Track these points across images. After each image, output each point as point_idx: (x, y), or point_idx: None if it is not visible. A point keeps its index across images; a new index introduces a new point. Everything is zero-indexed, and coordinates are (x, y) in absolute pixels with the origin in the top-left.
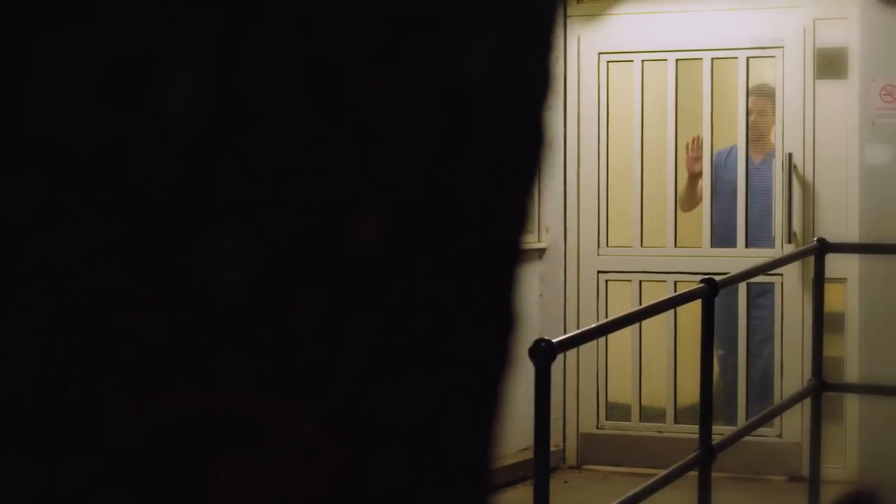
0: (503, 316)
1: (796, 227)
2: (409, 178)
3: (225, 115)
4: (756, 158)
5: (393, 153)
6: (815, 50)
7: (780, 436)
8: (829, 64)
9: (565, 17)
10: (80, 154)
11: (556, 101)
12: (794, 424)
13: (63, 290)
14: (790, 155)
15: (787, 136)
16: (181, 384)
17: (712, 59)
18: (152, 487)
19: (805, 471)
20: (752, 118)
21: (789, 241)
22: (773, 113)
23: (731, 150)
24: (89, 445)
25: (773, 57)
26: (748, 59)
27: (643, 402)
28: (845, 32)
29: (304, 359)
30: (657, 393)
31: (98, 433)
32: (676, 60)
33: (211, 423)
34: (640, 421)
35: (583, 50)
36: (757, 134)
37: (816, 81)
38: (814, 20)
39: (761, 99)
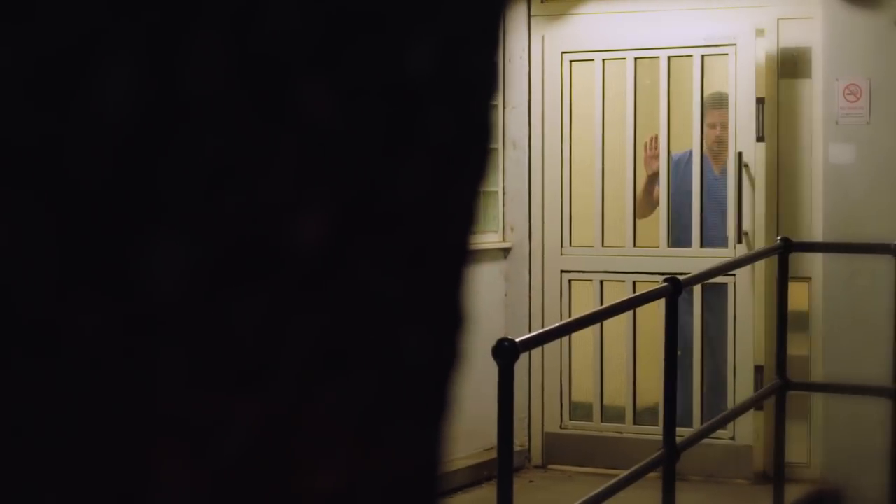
0: (451, 314)
1: (747, 226)
2: (353, 176)
3: (162, 113)
4: (716, 167)
5: (335, 151)
6: (778, 49)
7: (732, 438)
8: (794, 63)
9: (529, 16)
10: (10, 152)
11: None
12: (747, 427)
13: None
14: (740, 154)
15: (739, 135)
16: (117, 383)
17: (669, 57)
18: (88, 486)
19: (754, 473)
20: (715, 131)
21: (739, 241)
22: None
23: (689, 154)
24: (23, 442)
25: (726, 55)
26: (703, 56)
27: (604, 402)
28: (809, 32)
29: (245, 358)
30: (617, 393)
31: (33, 430)
32: (635, 59)
33: (148, 422)
34: (602, 421)
35: (546, 49)
36: (720, 146)
37: (780, 81)
38: (777, 19)
39: (722, 111)
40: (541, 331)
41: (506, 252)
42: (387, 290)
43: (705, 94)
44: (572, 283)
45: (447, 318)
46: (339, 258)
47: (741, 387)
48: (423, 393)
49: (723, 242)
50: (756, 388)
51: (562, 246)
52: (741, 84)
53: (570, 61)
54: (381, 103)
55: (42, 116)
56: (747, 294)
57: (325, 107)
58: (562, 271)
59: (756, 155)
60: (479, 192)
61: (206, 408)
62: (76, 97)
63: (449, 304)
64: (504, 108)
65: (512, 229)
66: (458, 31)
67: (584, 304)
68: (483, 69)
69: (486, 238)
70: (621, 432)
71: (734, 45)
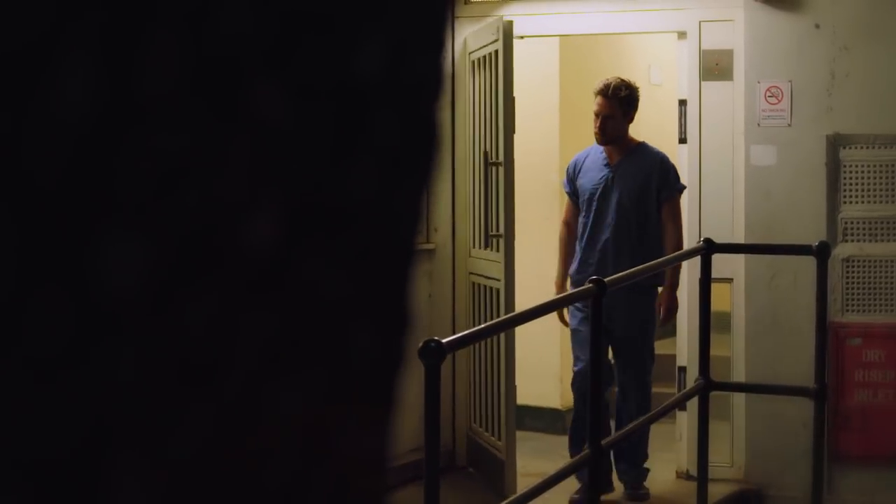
0: (397, 314)
1: None
2: (302, 177)
3: (116, 112)
4: (613, 161)
5: (285, 151)
6: (700, 51)
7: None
8: (715, 66)
9: (453, 18)
10: None
11: (444, 102)
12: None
13: None
14: None
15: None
16: (72, 381)
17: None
18: (45, 484)
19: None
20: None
21: None
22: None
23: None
24: None
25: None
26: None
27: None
28: (731, 34)
29: (198, 356)
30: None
31: None
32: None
33: (101, 420)
34: None
35: (466, 51)
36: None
37: (702, 83)
38: (699, 22)
39: (611, 101)
40: (467, 332)
41: (430, 253)
42: (335, 289)
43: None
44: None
45: (394, 316)
46: (289, 257)
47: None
48: (370, 391)
49: None
50: (679, 389)
51: (471, 248)
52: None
53: (472, 60)
54: (330, 104)
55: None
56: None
57: (276, 107)
58: (469, 273)
59: (678, 156)
60: (424, 193)
61: (160, 405)
62: (33, 96)
63: (396, 303)
64: None
65: (436, 230)
66: (404, 33)
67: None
68: (429, 71)
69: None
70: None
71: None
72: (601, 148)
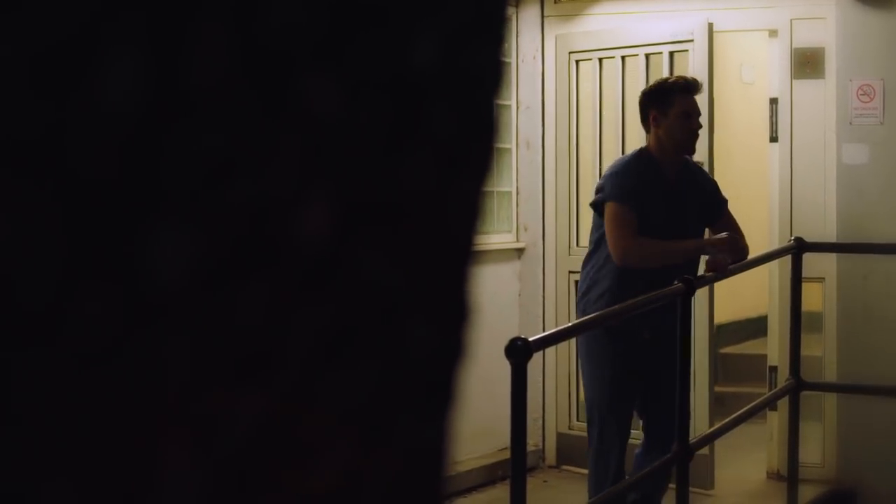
0: (455, 308)
1: None
2: (356, 170)
3: (165, 105)
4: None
5: (339, 144)
6: (791, 49)
7: None
8: (807, 63)
9: (542, 17)
10: (14, 143)
11: (534, 101)
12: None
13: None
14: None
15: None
16: (121, 374)
17: (646, 54)
18: (92, 477)
19: (712, 484)
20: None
21: None
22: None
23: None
24: (26, 432)
25: (687, 50)
26: (671, 53)
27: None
28: (823, 32)
29: (249, 350)
30: None
31: (36, 420)
32: (622, 57)
33: (152, 413)
34: (577, 420)
35: (558, 50)
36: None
37: (794, 81)
38: (791, 20)
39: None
40: (553, 330)
41: (519, 252)
42: (390, 283)
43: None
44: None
45: (451, 311)
46: (343, 251)
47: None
48: (427, 386)
49: None
50: (770, 389)
51: (569, 246)
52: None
53: (577, 61)
54: (384, 97)
55: (45, 108)
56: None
57: (328, 100)
58: (569, 272)
59: (770, 155)
60: (482, 188)
61: (210, 399)
62: (80, 89)
63: (453, 297)
64: (517, 108)
65: (525, 229)
66: (462, 26)
67: None
68: (487, 64)
69: (500, 238)
70: None
71: (692, 40)
72: (643, 157)
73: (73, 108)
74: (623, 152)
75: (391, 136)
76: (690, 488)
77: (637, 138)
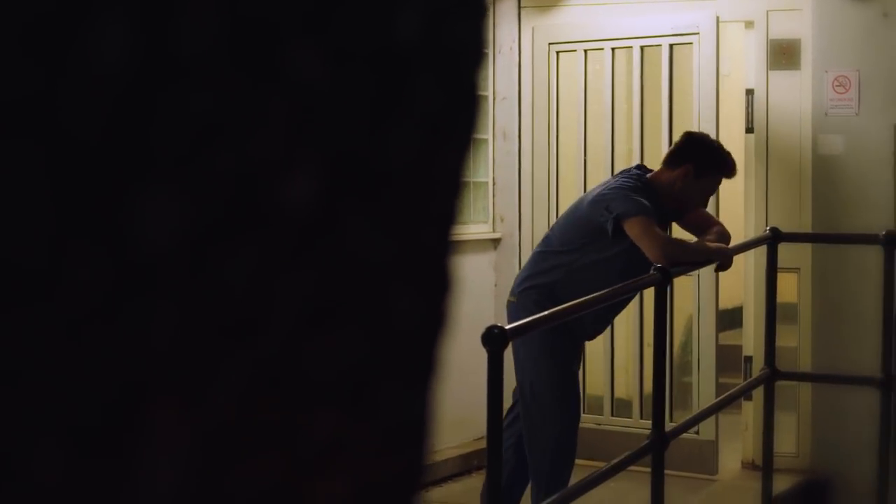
0: (438, 278)
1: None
2: (341, 139)
3: (154, 70)
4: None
5: (324, 113)
6: (767, 40)
7: (697, 433)
8: (783, 55)
9: (519, 7)
10: (5, 104)
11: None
12: (710, 423)
13: None
14: None
15: (702, 124)
16: (110, 334)
17: (641, 46)
18: (82, 434)
19: (719, 468)
20: None
21: None
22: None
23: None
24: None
25: (691, 44)
26: (671, 45)
27: (586, 392)
28: (799, 24)
29: (235, 313)
30: (597, 383)
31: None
32: (612, 49)
33: (140, 374)
34: (585, 412)
35: (536, 41)
36: None
37: (770, 72)
38: (767, 11)
39: None
40: (530, 318)
41: (496, 242)
42: (375, 253)
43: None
44: None
45: (434, 281)
46: (328, 218)
47: (705, 377)
48: (411, 356)
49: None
50: (745, 379)
51: None
52: (703, 72)
53: (557, 52)
54: (368, 68)
55: (37, 70)
56: (709, 286)
57: (314, 71)
58: None
59: (745, 146)
60: (464, 160)
61: (197, 361)
62: (71, 52)
63: (436, 268)
64: (494, 99)
65: (502, 220)
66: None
67: None
68: (470, 37)
69: (477, 228)
70: (600, 424)
71: (697, 33)
72: (650, 187)
73: (64, 70)
74: (612, 145)
75: (376, 108)
76: (695, 474)
77: (626, 130)
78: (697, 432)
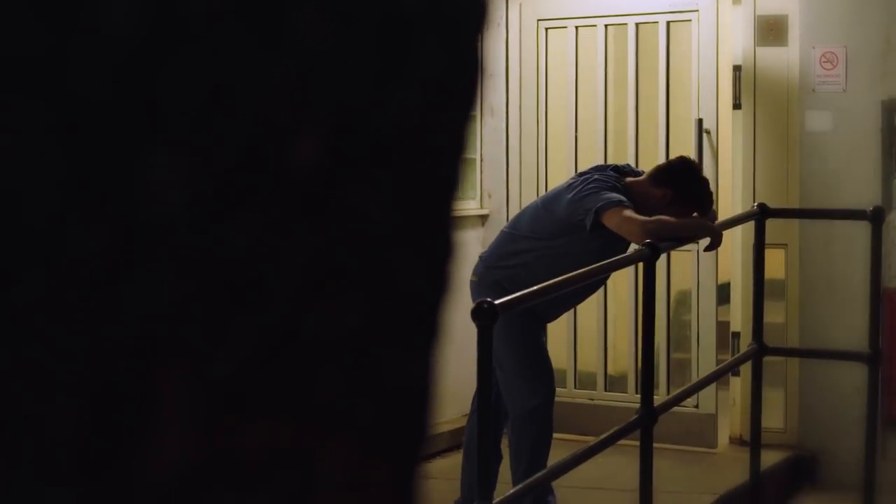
0: (440, 242)
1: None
2: (346, 103)
3: (163, 31)
4: None
5: (330, 77)
6: (755, 16)
7: (696, 406)
8: (771, 30)
9: None
10: (16, 63)
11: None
12: (711, 396)
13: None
14: (700, 121)
15: (701, 102)
16: (121, 295)
17: (636, 23)
18: (90, 395)
19: (718, 442)
20: None
21: None
22: None
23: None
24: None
25: (689, 21)
26: (668, 23)
27: (578, 369)
28: (786, 0)
29: (242, 275)
30: (590, 359)
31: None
32: (605, 26)
33: (145, 336)
34: (575, 388)
35: (523, 17)
36: None
37: (757, 48)
38: None
39: None
40: (518, 294)
41: (483, 219)
42: (378, 216)
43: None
44: None
45: (437, 245)
46: (333, 182)
47: (704, 354)
48: (414, 318)
49: None
50: (732, 354)
51: None
52: (703, 51)
53: (546, 29)
54: (373, 33)
55: (48, 29)
56: (709, 260)
57: (320, 35)
58: None
59: (731, 122)
60: (466, 124)
61: (206, 321)
62: (81, 11)
63: (438, 232)
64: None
65: (489, 196)
66: None
67: None
68: (471, 3)
69: (465, 205)
70: (593, 399)
71: (696, 10)
72: (629, 192)
73: (74, 30)
74: (605, 125)
75: (380, 72)
76: (695, 447)
77: (620, 109)
78: (697, 406)
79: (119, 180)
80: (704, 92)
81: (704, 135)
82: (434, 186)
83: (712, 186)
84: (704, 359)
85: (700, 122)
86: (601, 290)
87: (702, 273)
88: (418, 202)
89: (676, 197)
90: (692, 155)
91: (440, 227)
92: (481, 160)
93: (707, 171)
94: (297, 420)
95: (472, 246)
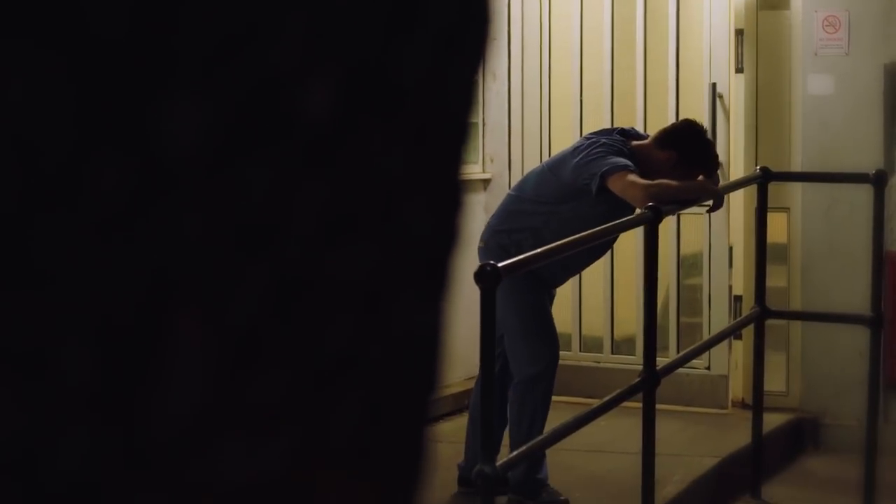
0: (450, 191)
1: (722, 157)
2: (358, 51)
3: None
4: None
5: (341, 25)
6: None
7: (708, 368)
8: None
9: None
10: (27, 6)
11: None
12: (722, 357)
13: (14, 140)
14: (714, 85)
15: (714, 66)
16: (132, 238)
17: None
18: (102, 342)
19: (729, 403)
20: None
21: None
22: None
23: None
24: (41, 295)
25: None
26: None
27: (583, 332)
28: None
29: (255, 221)
30: (596, 323)
31: (57, 287)
32: None
33: (164, 276)
34: (581, 351)
35: None
36: None
37: (759, 12)
38: None
39: None
40: (522, 256)
41: (486, 183)
42: (389, 164)
43: None
44: None
45: (447, 194)
46: (345, 129)
47: (716, 317)
48: (425, 266)
49: None
50: (735, 318)
51: None
52: (715, 14)
53: None
54: None
55: None
56: (721, 223)
57: None
58: None
59: (735, 86)
60: (476, 74)
61: (219, 266)
62: None
63: (448, 181)
64: None
65: (492, 160)
66: None
67: None
68: None
69: (467, 169)
70: (599, 362)
71: None
72: (634, 154)
73: None
74: (612, 87)
75: (391, 20)
76: (707, 409)
77: (628, 72)
78: (709, 368)
79: (132, 123)
80: (717, 52)
81: (718, 98)
82: (444, 134)
83: (725, 151)
84: (716, 322)
85: (714, 85)
86: (608, 254)
87: (713, 236)
88: (429, 151)
89: (681, 160)
90: (704, 119)
91: (450, 175)
92: (484, 124)
93: (720, 135)
94: (307, 370)
95: (475, 209)
